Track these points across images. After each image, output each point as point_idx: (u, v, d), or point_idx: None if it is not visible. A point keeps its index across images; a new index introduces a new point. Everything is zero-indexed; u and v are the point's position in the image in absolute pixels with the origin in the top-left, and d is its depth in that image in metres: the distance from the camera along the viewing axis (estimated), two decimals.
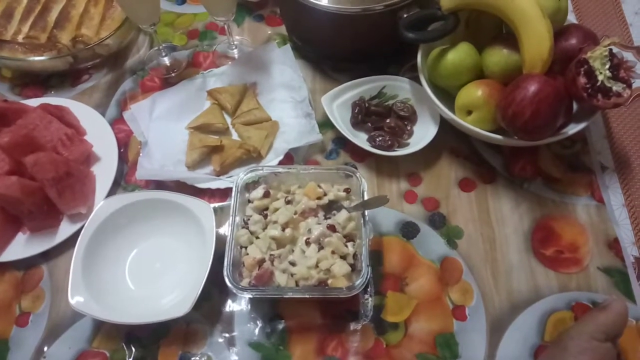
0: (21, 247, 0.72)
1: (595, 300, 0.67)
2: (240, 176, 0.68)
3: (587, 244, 0.71)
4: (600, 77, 0.65)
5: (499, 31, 0.76)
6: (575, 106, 0.72)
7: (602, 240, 0.72)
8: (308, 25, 0.85)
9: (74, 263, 0.65)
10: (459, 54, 0.73)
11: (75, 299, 0.63)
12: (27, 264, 0.72)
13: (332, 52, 0.88)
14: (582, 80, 0.66)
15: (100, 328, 0.67)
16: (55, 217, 0.73)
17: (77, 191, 0.73)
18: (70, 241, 0.70)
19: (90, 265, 0.66)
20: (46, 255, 0.72)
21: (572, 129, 0.70)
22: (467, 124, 0.71)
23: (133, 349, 0.65)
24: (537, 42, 0.66)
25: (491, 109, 0.70)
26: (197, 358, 0.65)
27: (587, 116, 0.71)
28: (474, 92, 0.71)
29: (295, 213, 0.67)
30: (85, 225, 0.68)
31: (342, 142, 0.82)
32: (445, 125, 0.77)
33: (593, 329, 0.56)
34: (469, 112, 0.72)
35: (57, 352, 0.66)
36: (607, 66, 0.65)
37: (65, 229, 0.73)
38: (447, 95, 0.76)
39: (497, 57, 0.71)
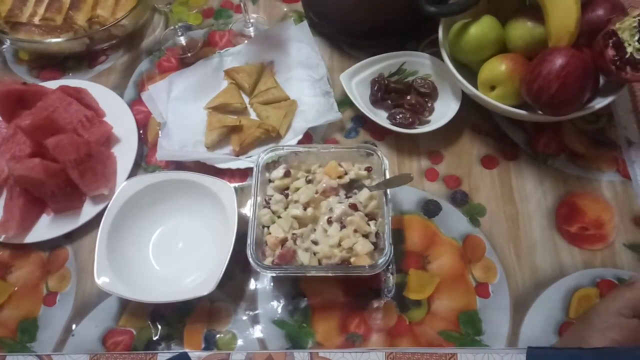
0: (45, 228, 0.73)
1: (621, 277, 0.66)
2: (260, 156, 0.68)
3: (612, 220, 0.70)
4: (629, 49, 0.63)
5: (523, 3, 0.73)
6: (601, 80, 0.70)
7: (627, 216, 0.71)
8: (325, 0, 0.84)
9: (98, 243, 0.66)
10: (482, 28, 0.71)
11: (102, 279, 0.64)
12: (52, 245, 0.73)
13: (350, 29, 0.86)
14: (611, 52, 0.64)
15: (126, 307, 0.68)
16: (78, 199, 0.74)
17: (99, 172, 0.73)
18: (94, 222, 0.71)
19: (115, 245, 0.67)
20: (70, 237, 0.73)
21: (599, 103, 0.69)
22: (490, 99, 0.70)
23: (159, 327, 0.66)
24: (563, 14, 0.64)
25: (515, 84, 0.68)
26: (222, 335, 0.65)
27: (613, 90, 0.69)
28: (498, 67, 0.69)
29: (317, 192, 0.67)
30: (108, 206, 0.69)
31: (361, 120, 0.81)
32: (466, 102, 0.76)
33: (620, 304, 0.55)
34: (492, 88, 0.71)
35: (85, 330, 0.67)
36: (637, 37, 0.63)
37: (88, 210, 0.73)
38: (469, 71, 0.75)
39: (521, 30, 0.70)
